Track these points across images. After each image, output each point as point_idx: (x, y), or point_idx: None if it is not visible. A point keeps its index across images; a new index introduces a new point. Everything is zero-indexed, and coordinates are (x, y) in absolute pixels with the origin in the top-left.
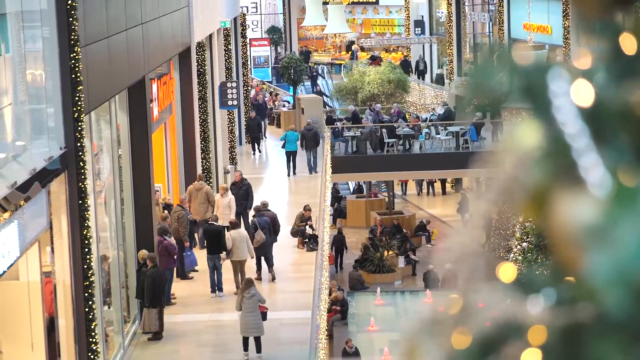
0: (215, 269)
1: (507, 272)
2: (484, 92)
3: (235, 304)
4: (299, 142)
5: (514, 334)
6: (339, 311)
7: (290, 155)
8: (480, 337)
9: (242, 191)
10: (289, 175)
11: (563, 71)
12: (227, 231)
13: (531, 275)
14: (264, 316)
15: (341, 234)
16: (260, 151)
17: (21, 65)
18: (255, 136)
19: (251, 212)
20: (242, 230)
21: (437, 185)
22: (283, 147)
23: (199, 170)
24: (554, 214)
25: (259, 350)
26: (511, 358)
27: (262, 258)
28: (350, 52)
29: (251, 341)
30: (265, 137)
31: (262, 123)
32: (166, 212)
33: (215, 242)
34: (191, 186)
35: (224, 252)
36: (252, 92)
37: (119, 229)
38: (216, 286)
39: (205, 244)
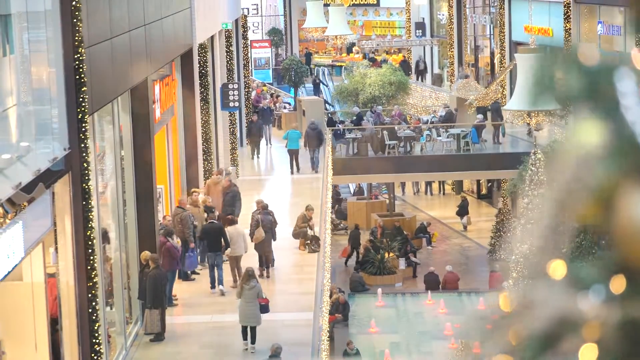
0: (215, 266)
1: (558, 269)
2: (550, 92)
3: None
4: (301, 141)
5: (569, 329)
6: (340, 315)
7: (293, 154)
8: (537, 333)
9: (229, 197)
10: (292, 173)
11: (629, 71)
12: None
13: (584, 272)
14: (265, 308)
15: (358, 229)
16: (259, 157)
17: (25, 66)
18: (255, 140)
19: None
20: (239, 226)
21: (435, 185)
22: (286, 145)
23: (201, 172)
24: (620, 212)
25: (253, 341)
26: (569, 353)
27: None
28: (363, 55)
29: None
30: (271, 144)
31: (267, 128)
32: (167, 215)
33: (215, 239)
34: (209, 180)
35: (229, 249)
36: (253, 94)
37: (121, 230)
38: (216, 282)
39: (203, 244)
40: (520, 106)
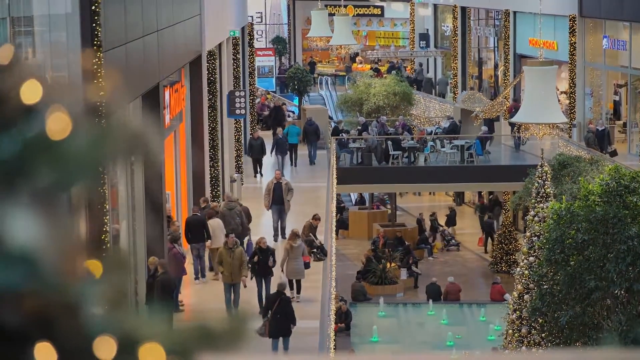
0: (199, 257)
1: None
2: None
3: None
4: (300, 137)
5: None
6: (343, 324)
7: (292, 148)
8: None
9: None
10: (291, 165)
11: None
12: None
13: None
14: (306, 265)
15: (491, 219)
16: (262, 174)
17: (44, 69)
18: (257, 157)
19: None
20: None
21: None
22: (285, 140)
23: (207, 179)
24: None
25: (299, 291)
26: None
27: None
28: (370, 66)
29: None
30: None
31: (281, 159)
32: (177, 221)
33: (198, 231)
34: (270, 182)
35: (209, 240)
36: (256, 102)
37: (130, 236)
38: (199, 273)
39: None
40: (528, 119)
